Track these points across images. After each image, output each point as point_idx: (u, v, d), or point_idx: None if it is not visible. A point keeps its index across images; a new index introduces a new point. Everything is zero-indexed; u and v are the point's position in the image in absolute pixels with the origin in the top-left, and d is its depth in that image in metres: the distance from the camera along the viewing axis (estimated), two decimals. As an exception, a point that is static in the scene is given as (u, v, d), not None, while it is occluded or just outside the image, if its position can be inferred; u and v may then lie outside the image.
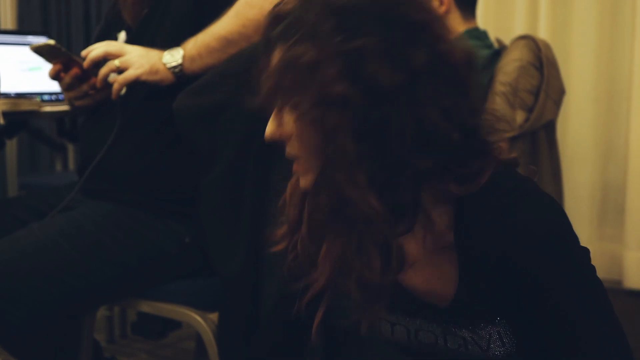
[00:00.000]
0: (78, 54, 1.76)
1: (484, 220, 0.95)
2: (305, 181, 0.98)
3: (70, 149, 3.11)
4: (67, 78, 1.74)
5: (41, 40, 2.52)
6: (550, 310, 0.95)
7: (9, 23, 4.08)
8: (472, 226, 0.96)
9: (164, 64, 1.66)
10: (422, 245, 1.01)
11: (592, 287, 0.98)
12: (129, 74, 1.66)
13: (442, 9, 2.57)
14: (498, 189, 0.96)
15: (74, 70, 1.73)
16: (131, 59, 1.67)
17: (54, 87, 2.10)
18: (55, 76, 1.76)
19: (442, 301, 1.05)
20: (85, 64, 1.71)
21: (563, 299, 0.95)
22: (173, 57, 1.66)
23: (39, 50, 1.72)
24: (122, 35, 1.85)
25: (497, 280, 0.97)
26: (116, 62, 1.67)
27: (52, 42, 1.69)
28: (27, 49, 2.43)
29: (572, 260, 0.97)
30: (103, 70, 1.69)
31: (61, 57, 1.72)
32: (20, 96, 2.24)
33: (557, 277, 0.95)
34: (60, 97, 2.20)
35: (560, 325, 0.95)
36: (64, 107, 1.99)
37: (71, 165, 3.13)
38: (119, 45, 1.73)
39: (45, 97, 2.30)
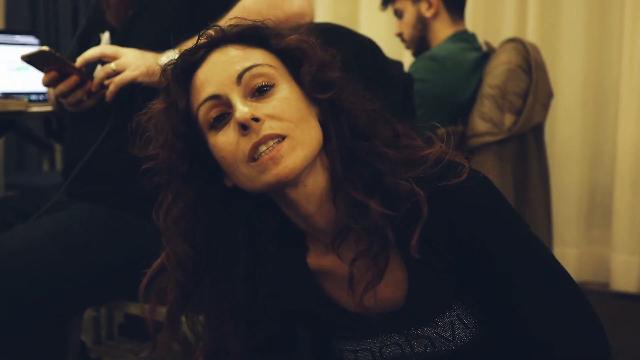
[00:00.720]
0: (65, 53, 1.74)
1: (424, 189, 0.99)
2: (296, 158, 0.98)
3: (58, 148, 3.10)
4: (63, 86, 1.70)
5: (29, 39, 2.51)
6: (494, 274, 0.99)
7: (-3, 22, 4.07)
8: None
9: (160, 66, 1.65)
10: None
11: (528, 244, 1.01)
12: (125, 76, 1.65)
13: (431, 12, 2.58)
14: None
15: (73, 78, 1.69)
16: (127, 61, 1.66)
17: (42, 87, 2.09)
18: (49, 83, 1.73)
19: (396, 305, 1.06)
20: (78, 63, 1.69)
21: (502, 259, 0.98)
22: (169, 59, 1.65)
23: (31, 59, 1.67)
24: (106, 35, 1.83)
25: (442, 259, 1.00)
26: (112, 66, 1.66)
27: (45, 48, 1.65)
28: (14, 48, 2.42)
29: (504, 219, 1.01)
30: (100, 75, 1.68)
31: (55, 63, 1.68)
32: (7, 96, 2.23)
33: (493, 237, 0.99)
34: (47, 97, 2.19)
35: (506, 288, 0.98)
36: (51, 107, 1.98)
37: (58, 165, 3.12)
38: (114, 47, 1.72)
39: (33, 97, 2.29)
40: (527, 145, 2.37)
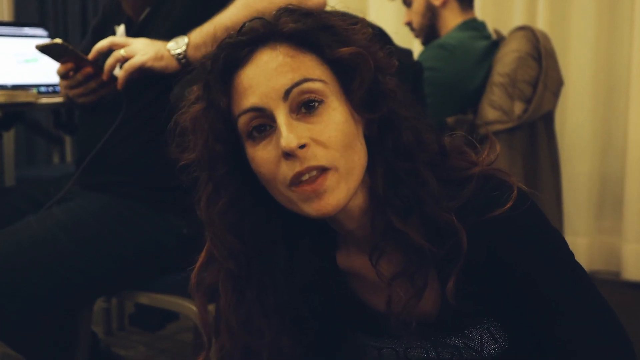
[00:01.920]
0: (75, 44, 1.75)
1: (465, 221, 0.95)
2: (340, 194, 0.94)
3: (68, 141, 3.10)
4: (79, 76, 1.72)
5: (38, 31, 2.51)
6: (536, 300, 0.95)
7: (6, 14, 4.07)
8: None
9: (168, 50, 1.66)
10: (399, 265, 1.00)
11: (574, 273, 0.98)
12: (135, 61, 1.66)
13: (440, 0, 2.56)
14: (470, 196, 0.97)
15: (87, 69, 1.71)
16: (136, 48, 1.67)
17: (50, 79, 2.09)
18: (64, 74, 1.74)
19: (428, 317, 1.04)
20: (91, 55, 1.71)
21: (547, 287, 0.95)
22: (177, 44, 1.66)
23: (46, 50, 1.70)
24: (121, 28, 1.85)
25: (479, 282, 0.97)
26: (122, 52, 1.67)
27: (59, 40, 1.67)
28: (23, 40, 2.42)
29: (550, 248, 0.97)
30: (109, 61, 1.69)
31: (68, 55, 1.70)
32: (16, 88, 2.23)
33: (538, 266, 0.95)
34: (57, 88, 2.19)
35: (549, 314, 0.95)
36: (60, 99, 1.99)
37: (68, 157, 3.12)
38: (124, 37, 1.74)
39: (42, 89, 2.30)
40: (537, 133, 2.36)
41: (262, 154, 0.94)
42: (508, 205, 0.93)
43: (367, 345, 1.14)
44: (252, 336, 1.04)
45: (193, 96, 1.00)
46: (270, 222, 1.02)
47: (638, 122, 3.32)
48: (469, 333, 1.04)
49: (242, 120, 0.95)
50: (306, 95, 0.93)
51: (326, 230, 1.06)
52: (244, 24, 0.99)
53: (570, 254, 0.99)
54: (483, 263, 0.95)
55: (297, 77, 0.93)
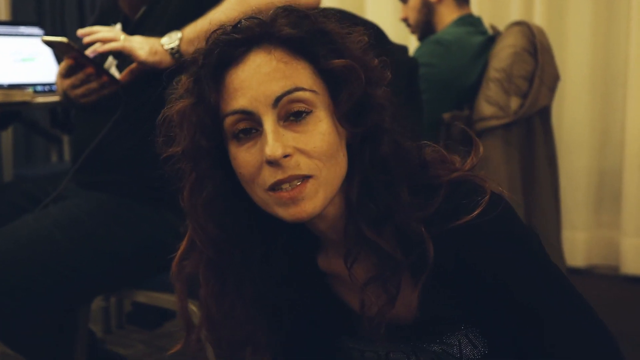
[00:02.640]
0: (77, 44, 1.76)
1: (433, 229, 0.96)
2: (317, 202, 0.95)
3: (65, 140, 3.10)
4: (81, 75, 1.73)
5: (34, 30, 2.51)
6: (510, 306, 0.95)
7: (3, 14, 4.06)
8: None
9: (162, 45, 1.67)
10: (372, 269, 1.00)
11: (548, 277, 0.97)
12: (138, 57, 1.69)
13: (436, -4, 2.56)
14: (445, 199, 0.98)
15: (89, 70, 1.72)
16: (134, 42, 1.70)
17: (47, 78, 2.09)
18: (66, 73, 1.75)
19: (403, 322, 1.04)
20: (88, 40, 1.73)
21: (520, 293, 0.95)
22: (171, 38, 1.68)
23: (51, 44, 1.73)
24: (118, 27, 1.86)
25: (453, 289, 0.98)
26: (122, 37, 1.70)
27: (64, 39, 1.68)
28: (19, 39, 2.42)
29: (521, 254, 0.97)
30: (107, 35, 1.71)
31: (71, 54, 1.72)
32: (12, 87, 2.23)
33: (509, 272, 0.95)
34: (53, 87, 2.19)
35: (524, 320, 0.95)
36: (56, 98, 1.99)
37: (66, 156, 3.12)
38: (118, 32, 1.76)
39: (38, 88, 2.30)
40: (533, 128, 2.36)
41: (244, 156, 0.94)
42: (476, 212, 0.94)
43: (351, 348, 1.14)
44: (233, 325, 1.05)
45: (182, 89, 1.00)
46: (249, 217, 1.02)
47: (636, 116, 3.32)
48: (446, 339, 1.04)
49: (229, 121, 0.95)
50: (295, 105, 0.93)
51: (306, 232, 1.06)
52: (240, 21, 0.98)
53: (545, 258, 0.98)
54: (452, 270, 0.96)
55: (288, 85, 0.93)
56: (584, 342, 0.95)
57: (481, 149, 1.04)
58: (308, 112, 0.94)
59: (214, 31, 1.00)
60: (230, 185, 1.00)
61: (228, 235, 1.01)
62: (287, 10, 0.98)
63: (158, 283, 1.74)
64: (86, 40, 1.73)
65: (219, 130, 0.97)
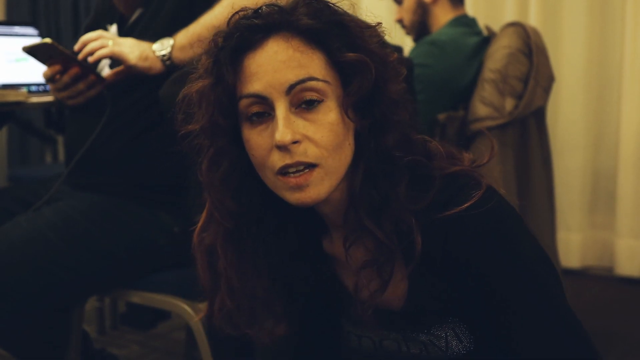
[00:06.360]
0: (67, 45, 1.74)
1: (424, 220, 0.99)
2: (322, 189, 0.98)
3: (60, 140, 3.10)
4: (66, 77, 1.72)
5: (28, 30, 2.50)
6: (492, 301, 0.97)
7: (-3, 14, 4.06)
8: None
9: (154, 51, 1.67)
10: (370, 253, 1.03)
11: (532, 276, 0.98)
12: (122, 51, 1.68)
13: (431, -4, 2.56)
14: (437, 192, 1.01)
15: (74, 70, 1.71)
16: (124, 45, 1.69)
17: (41, 78, 2.08)
18: (51, 77, 1.74)
19: (394, 308, 1.07)
20: (77, 46, 1.72)
21: (501, 289, 0.97)
22: (163, 45, 1.68)
23: (33, 51, 1.68)
24: (113, 28, 1.86)
25: (441, 280, 1.01)
26: (109, 42, 1.69)
27: (48, 40, 1.65)
28: (14, 39, 2.42)
29: (507, 250, 0.98)
30: (95, 44, 1.70)
31: (57, 56, 1.69)
32: (6, 87, 2.23)
33: (492, 267, 0.97)
34: (47, 88, 2.19)
35: (504, 316, 0.97)
36: (50, 98, 1.98)
37: (61, 157, 3.11)
38: (111, 36, 1.75)
39: (32, 88, 2.29)
40: (528, 129, 2.36)
41: (256, 139, 0.99)
42: (465, 205, 0.96)
43: (349, 332, 1.17)
44: (252, 294, 1.10)
45: (202, 69, 1.04)
46: (262, 195, 1.06)
47: (630, 117, 3.33)
48: (434, 331, 1.07)
49: (244, 103, 0.99)
50: (308, 93, 0.97)
51: (314, 215, 1.10)
52: (260, 7, 1.02)
53: (534, 258, 0.99)
54: (440, 261, 0.99)
55: (302, 74, 0.96)
56: (554, 349, 0.96)
57: (496, 147, 1.07)
58: (319, 102, 0.97)
59: (236, 12, 1.04)
60: (246, 163, 1.03)
61: (244, 209, 1.06)
62: (307, 0, 1.01)
63: (152, 283, 1.74)
64: (80, 56, 1.72)
65: (235, 110, 1.01)
